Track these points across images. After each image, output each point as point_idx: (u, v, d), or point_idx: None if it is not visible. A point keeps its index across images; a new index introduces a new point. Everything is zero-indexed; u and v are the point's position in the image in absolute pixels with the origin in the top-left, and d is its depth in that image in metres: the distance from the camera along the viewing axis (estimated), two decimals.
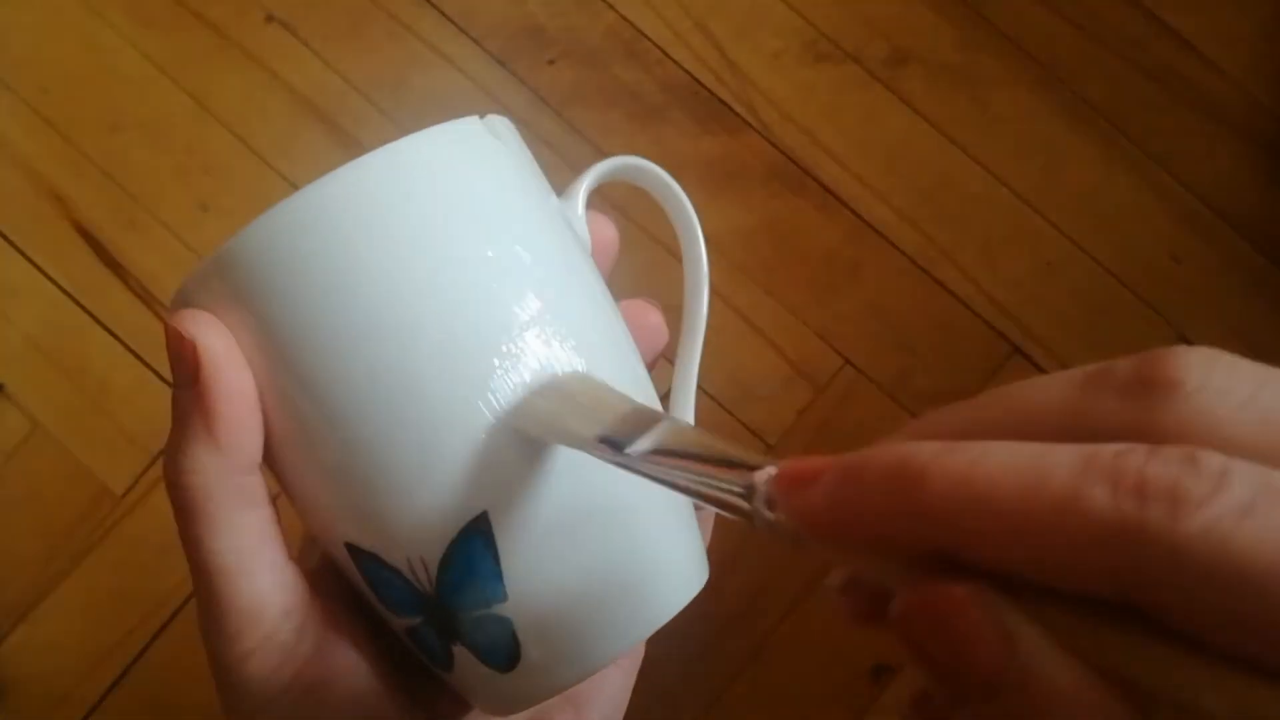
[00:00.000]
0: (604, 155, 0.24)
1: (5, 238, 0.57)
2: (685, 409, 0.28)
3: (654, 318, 0.26)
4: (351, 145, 0.58)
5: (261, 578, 0.21)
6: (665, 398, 0.28)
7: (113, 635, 0.54)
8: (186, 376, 0.21)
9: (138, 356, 0.56)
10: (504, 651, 0.22)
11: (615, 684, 0.26)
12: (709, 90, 0.60)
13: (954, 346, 0.58)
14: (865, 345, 0.58)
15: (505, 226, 0.22)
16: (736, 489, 0.17)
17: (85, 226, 0.57)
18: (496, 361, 0.21)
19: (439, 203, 0.21)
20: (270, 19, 0.60)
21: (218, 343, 0.21)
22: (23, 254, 0.57)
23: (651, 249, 0.56)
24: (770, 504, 0.16)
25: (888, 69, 0.60)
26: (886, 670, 0.56)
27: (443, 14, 0.60)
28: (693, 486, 0.18)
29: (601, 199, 0.24)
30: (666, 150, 0.58)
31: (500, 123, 0.23)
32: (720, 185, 0.58)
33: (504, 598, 0.21)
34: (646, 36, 0.60)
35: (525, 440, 0.21)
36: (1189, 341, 0.58)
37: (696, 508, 0.25)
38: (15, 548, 0.55)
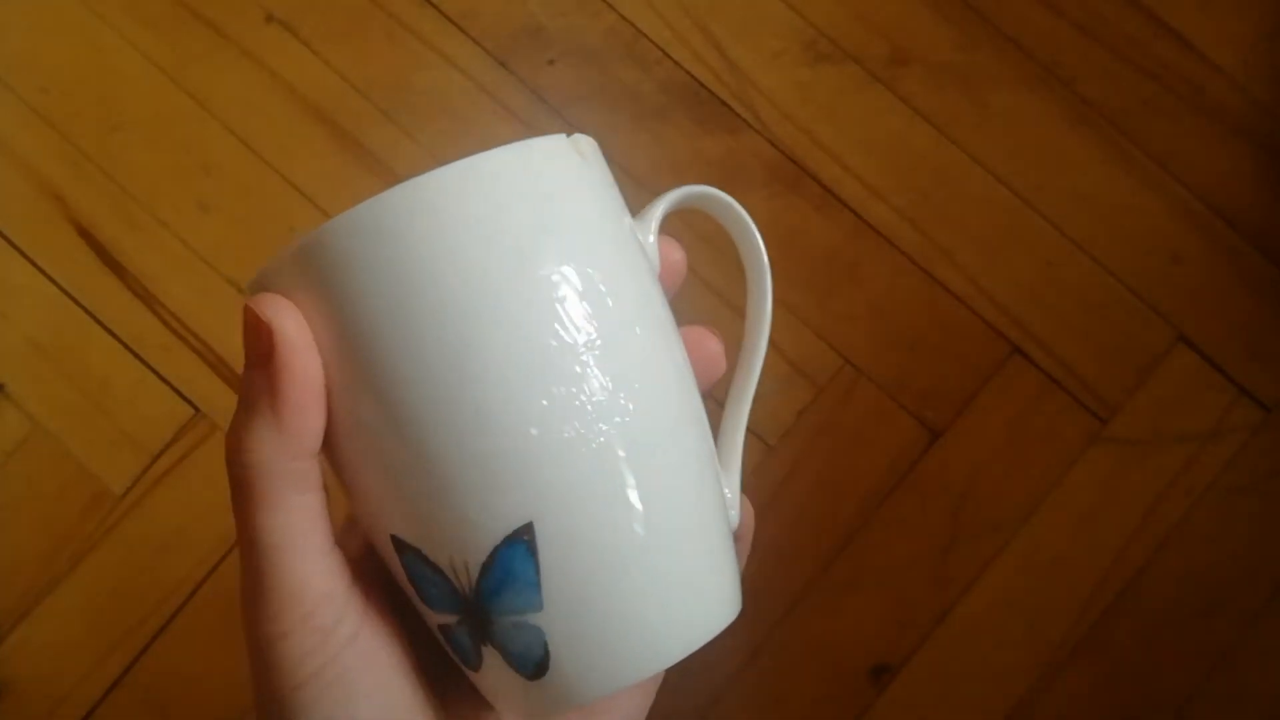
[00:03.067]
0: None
1: (5, 238, 0.57)
2: (734, 446, 0.28)
3: (713, 345, 0.27)
4: (351, 145, 0.58)
5: (306, 560, 0.22)
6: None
7: (113, 635, 0.54)
8: (259, 357, 0.21)
9: (138, 356, 0.56)
10: (533, 660, 0.22)
11: (633, 703, 0.26)
12: (709, 90, 0.60)
13: (954, 346, 0.58)
14: (865, 345, 0.58)
15: (581, 248, 0.22)
16: None
17: (85, 226, 0.57)
18: (559, 379, 0.21)
19: (520, 218, 0.22)
20: (270, 19, 0.60)
21: (292, 328, 0.21)
22: (23, 254, 0.57)
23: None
24: None
25: (888, 69, 0.60)
26: (886, 670, 0.56)
27: (443, 14, 0.60)
28: None
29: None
30: (666, 150, 0.58)
31: (585, 142, 0.24)
32: (720, 185, 0.58)
33: (540, 607, 0.22)
34: (646, 36, 0.60)
35: (579, 456, 0.21)
36: (1189, 341, 0.58)
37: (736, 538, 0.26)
38: (15, 548, 0.55)
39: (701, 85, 0.60)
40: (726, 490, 0.27)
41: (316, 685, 0.22)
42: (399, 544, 0.23)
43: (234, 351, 0.57)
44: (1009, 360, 0.58)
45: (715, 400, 0.27)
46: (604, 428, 0.22)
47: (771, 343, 0.28)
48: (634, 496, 0.22)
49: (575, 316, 0.22)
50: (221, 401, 0.56)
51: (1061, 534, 0.57)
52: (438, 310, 0.21)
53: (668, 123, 0.59)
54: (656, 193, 0.26)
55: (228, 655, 0.54)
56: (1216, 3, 0.61)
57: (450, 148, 0.58)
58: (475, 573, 0.22)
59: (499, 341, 0.21)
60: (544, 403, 0.21)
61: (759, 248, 0.27)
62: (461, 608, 0.22)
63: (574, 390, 0.21)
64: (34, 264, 0.57)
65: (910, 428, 0.57)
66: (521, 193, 0.22)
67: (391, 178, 0.58)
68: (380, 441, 0.22)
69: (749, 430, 0.29)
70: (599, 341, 0.22)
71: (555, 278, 0.22)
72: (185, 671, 0.54)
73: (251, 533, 0.22)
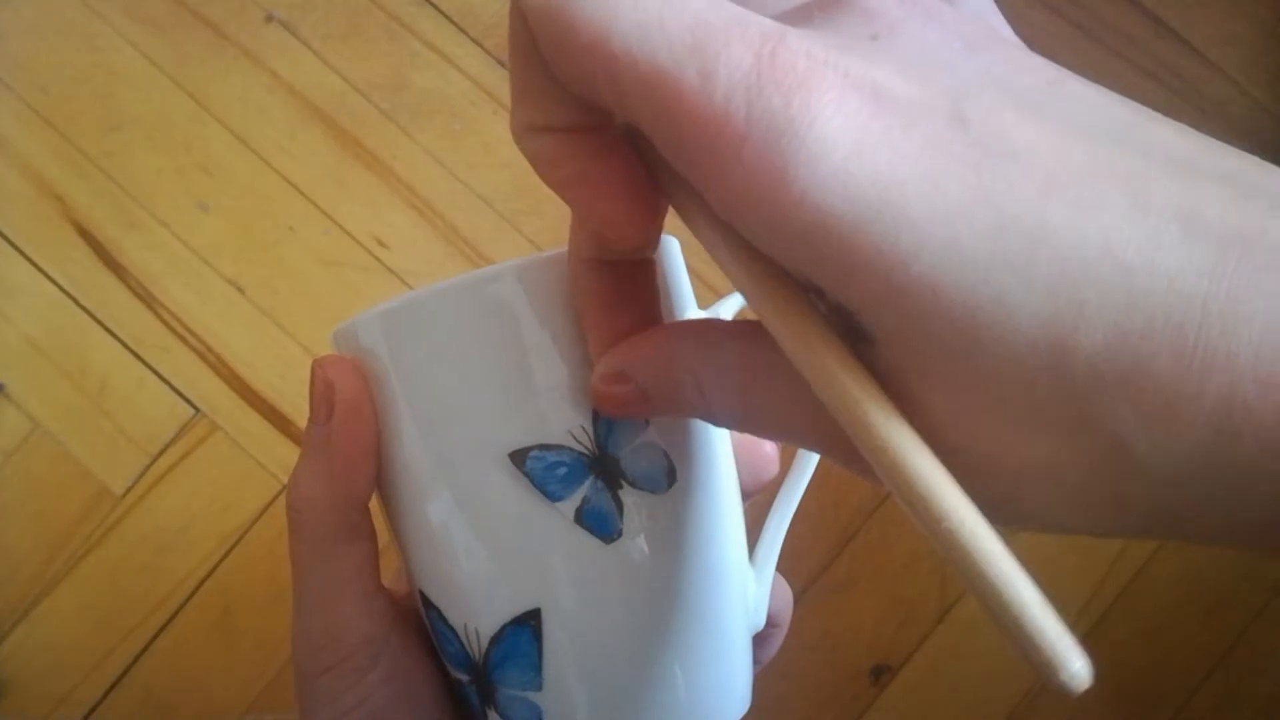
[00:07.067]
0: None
1: (5, 238, 0.57)
2: (772, 547, 0.28)
3: (768, 448, 0.27)
4: (351, 145, 0.58)
5: (349, 606, 0.24)
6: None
7: (113, 635, 0.54)
8: (320, 414, 0.23)
9: (138, 356, 0.56)
10: None
11: None
12: None
13: None
14: None
15: None
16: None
17: (85, 226, 0.57)
18: (589, 479, 0.22)
19: (561, 324, 0.22)
20: (270, 19, 0.60)
21: (351, 391, 0.23)
22: (23, 254, 0.57)
23: None
24: None
25: None
26: (886, 670, 0.56)
27: (443, 14, 0.60)
28: None
29: None
30: None
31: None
32: None
33: (539, 688, 0.23)
34: None
35: (596, 554, 0.22)
36: None
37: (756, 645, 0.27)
38: (15, 548, 0.55)
39: None
40: (753, 587, 0.27)
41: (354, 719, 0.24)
42: (425, 600, 0.24)
43: (234, 351, 0.57)
44: None
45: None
46: (627, 531, 0.22)
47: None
48: (646, 601, 0.23)
49: (611, 421, 0.22)
50: (221, 401, 0.56)
51: (1061, 534, 0.57)
52: (478, 400, 0.22)
53: None
54: None
55: (228, 655, 0.54)
56: (1216, 3, 0.61)
57: (450, 148, 0.58)
58: (485, 643, 0.23)
59: (531, 437, 0.22)
60: (575, 500, 0.22)
61: None
62: (472, 670, 0.23)
63: (603, 491, 0.22)
64: (34, 264, 0.57)
65: None
66: (564, 298, 0.22)
67: (391, 178, 0.58)
68: (412, 506, 0.23)
69: None
70: (632, 446, 0.22)
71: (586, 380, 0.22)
72: (185, 671, 0.54)
73: (301, 575, 0.24)
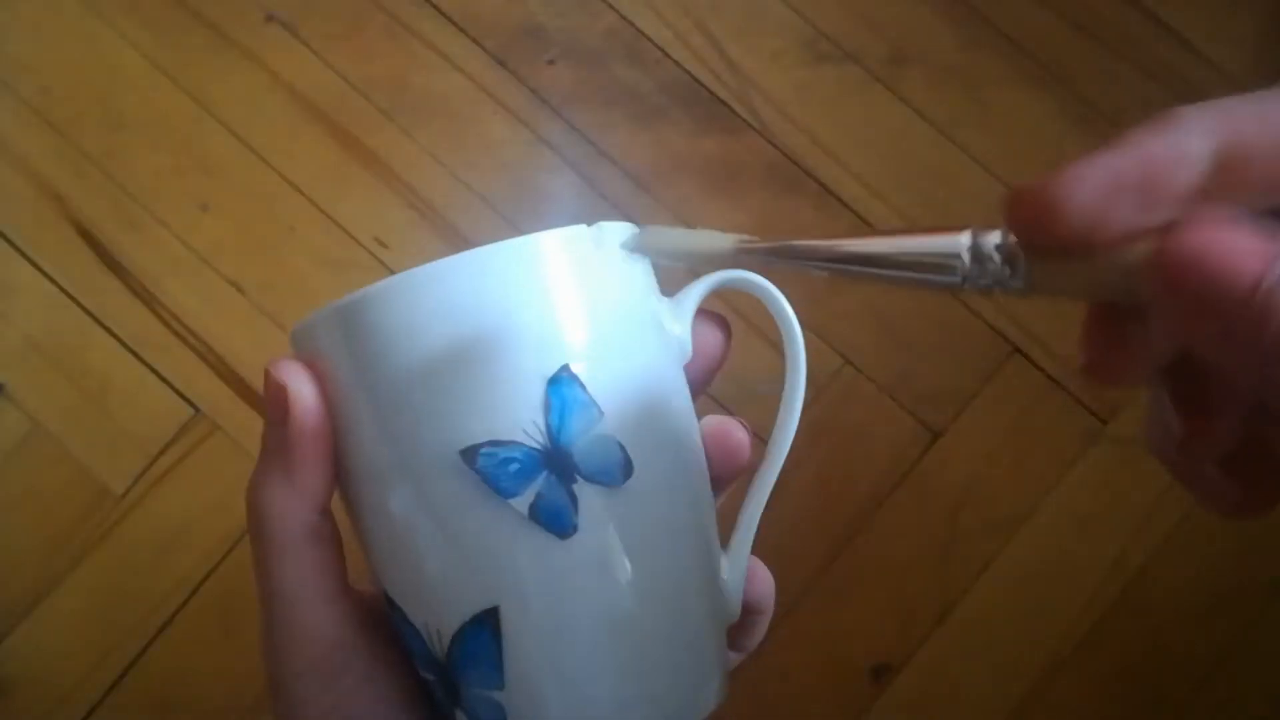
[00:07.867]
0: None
1: (5, 238, 0.57)
2: (747, 531, 0.28)
3: (739, 436, 0.27)
4: (351, 145, 0.58)
5: (315, 609, 0.23)
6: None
7: (113, 635, 0.54)
8: (276, 418, 0.23)
9: (138, 356, 0.56)
10: None
11: None
12: (709, 90, 0.60)
13: (954, 346, 0.58)
14: (865, 345, 0.58)
15: (580, 343, 0.23)
16: (949, 251, 0.17)
17: (85, 226, 0.57)
18: (542, 474, 0.22)
19: (513, 314, 0.22)
20: (270, 19, 0.60)
21: (306, 393, 0.23)
22: (23, 254, 0.57)
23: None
24: (1000, 252, 0.17)
25: (888, 69, 0.60)
26: (886, 670, 0.56)
27: (443, 14, 0.60)
28: (898, 258, 0.18)
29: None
30: (666, 150, 0.58)
31: (610, 230, 0.24)
32: (720, 185, 0.58)
33: (501, 686, 0.22)
34: (646, 36, 0.60)
35: (553, 551, 0.22)
36: None
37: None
38: (15, 548, 0.55)
39: (701, 85, 0.60)
40: (725, 576, 0.26)
41: None
42: (388, 600, 0.24)
43: (234, 351, 0.57)
44: (1009, 360, 0.58)
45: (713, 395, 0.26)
46: (583, 526, 0.22)
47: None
48: (607, 596, 0.22)
49: (563, 413, 0.22)
50: (221, 402, 0.56)
51: (1061, 534, 0.57)
52: (425, 395, 0.22)
53: (668, 123, 0.59)
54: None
55: (228, 655, 0.54)
56: (1216, 3, 0.61)
57: (450, 148, 0.58)
58: (447, 643, 0.23)
59: (482, 432, 0.22)
60: (530, 497, 0.22)
61: (797, 338, 0.28)
62: (437, 670, 0.23)
63: (559, 486, 0.22)
64: (34, 264, 0.57)
65: (910, 428, 0.57)
66: (520, 287, 0.22)
67: (391, 178, 0.58)
68: (369, 505, 0.23)
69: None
70: (584, 440, 0.22)
71: (545, 373, 0.22)
72: (185, 671, 0.54)
73: (266, 580, 0.24)
